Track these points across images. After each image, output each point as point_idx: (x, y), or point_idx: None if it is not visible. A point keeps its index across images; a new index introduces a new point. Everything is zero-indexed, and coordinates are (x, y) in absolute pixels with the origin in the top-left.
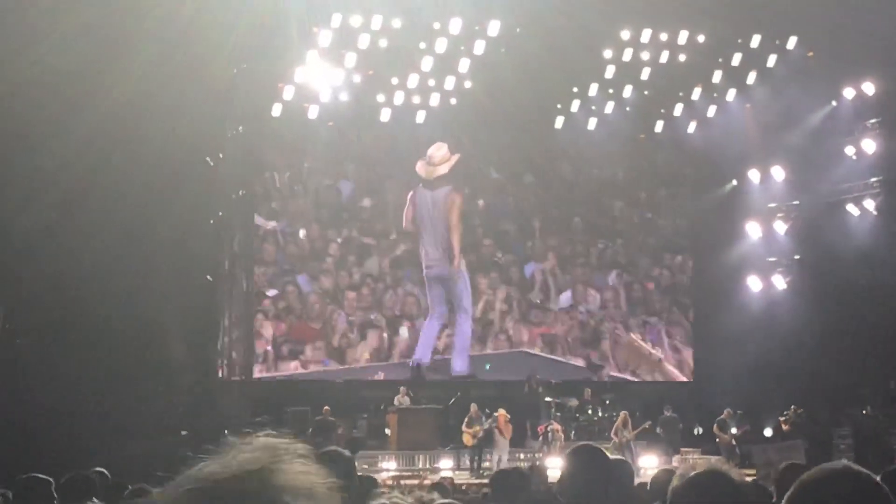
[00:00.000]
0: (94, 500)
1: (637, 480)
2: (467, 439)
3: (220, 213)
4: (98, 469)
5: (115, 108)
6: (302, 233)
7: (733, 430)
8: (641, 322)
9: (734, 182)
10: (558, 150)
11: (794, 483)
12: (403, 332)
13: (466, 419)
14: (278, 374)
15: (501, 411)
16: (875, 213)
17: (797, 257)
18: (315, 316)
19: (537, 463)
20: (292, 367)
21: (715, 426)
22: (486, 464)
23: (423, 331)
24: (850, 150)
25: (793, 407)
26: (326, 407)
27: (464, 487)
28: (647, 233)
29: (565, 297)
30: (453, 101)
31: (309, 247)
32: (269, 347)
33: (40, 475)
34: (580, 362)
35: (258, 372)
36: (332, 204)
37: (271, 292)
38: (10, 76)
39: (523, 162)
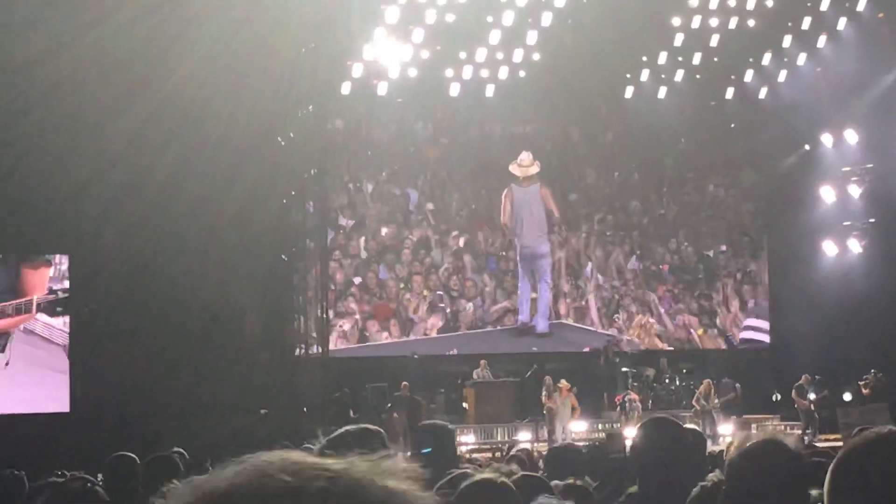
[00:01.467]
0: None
1: (717, 448)
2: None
3: (293, 193)
4: (177, 449)
5: (181, 86)
6: (384, 230)
7: (811, 396)
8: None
9: (807, 147)
10: (629, 120)
11: (843, 448)
12: (469, 307)
13: (545, 390)
14: (355, 348)
15: (563, 382)
16: None
17: (872, 220)
18: (392, 297)
19: (614, 431)
20: (369, 345)
21: (793, 392)
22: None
23: (520, 300)
24: None
25: (872, 371)
26: (405, 383)
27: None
28: (720, 200)
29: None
30: (522, 73)
31: (387, 243)
32: (347, 326)
33: (128, 453)
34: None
35: (335, 350)
36: (404, 208)
37: (356, 279)
38: (76, 55)
39: (595, 131)
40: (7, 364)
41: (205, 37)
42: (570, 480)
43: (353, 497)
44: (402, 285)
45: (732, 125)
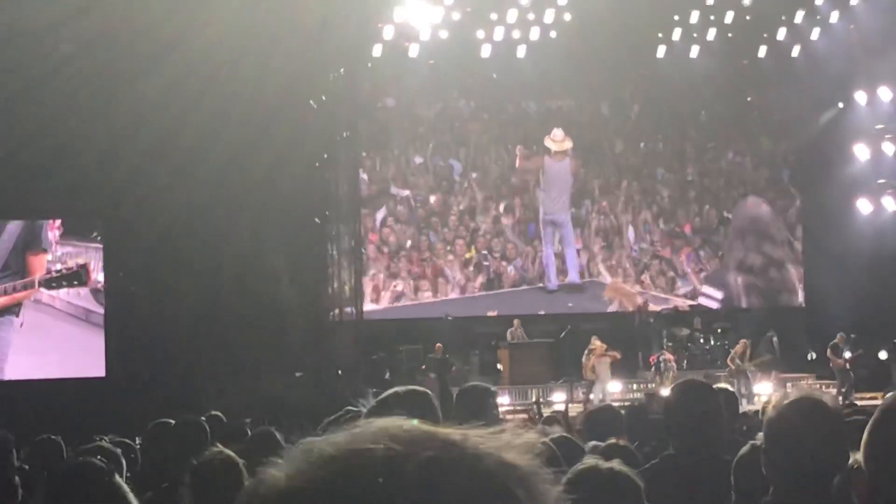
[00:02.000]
0: (218, 444)
1: (752, 408)
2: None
3: (326, 156)
4: (214, 412)
5: (209, 48)
6: (432, 199)
7: (847, 355)
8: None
9: (840, 105)
10: (661, 80)
11: (877, 409)
12: (510, 269)
13: (586, 352)
14: (390, 310)
15: (596, 343)
16: None
17: None
18: (440, 257)
19: (653, 391)
20: (404, 305)
21: (828, 350)
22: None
23: (546, 265)
24: None
25: None
26: (439, 344)
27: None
28: (754, 159)
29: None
30: (553, 34)
31: (435, 210)
32: (400, 286)
33: (168, 420)
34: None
35: (371, 312)
36: (449, 178)
37: (407, 244)
38: (105, 16)
39: (626, 93)
40: (21, 325)
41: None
42: (612, 441)
43: (466, 467)
44: (448, 247)
45: (749, 98)
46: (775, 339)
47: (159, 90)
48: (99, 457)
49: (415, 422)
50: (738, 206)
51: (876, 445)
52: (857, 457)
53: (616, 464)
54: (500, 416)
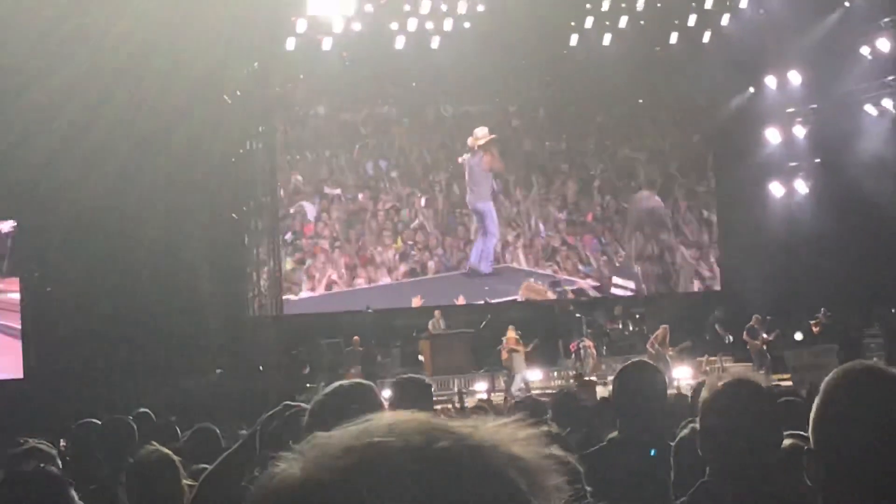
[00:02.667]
0: (154, 443)
1: (671, 392)
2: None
3: (241, 151)
4: (143, 410)
5: (120, 41)
6: (360, 196)
7: (763, 336)
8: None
9: (751, 89)
10: (574, 68)
11: (822, 388)
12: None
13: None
14: (310, 303)
15: (510, 333)
16: (894, 111)
17: (818, 161)
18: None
19: (587, 381)
20: (329, 297)
21: (745, 333)
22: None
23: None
24: (865, 51)
25: (822, 310)
26: (356, 337)
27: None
28: (667, 145)
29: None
30: (467, 24)
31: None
32: (334, 276)
33: (93, 420)
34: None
35: (291, 306)
36: (376, 176)
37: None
38: (8, 11)
39: (540, 82)
40: None
41: None
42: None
43: (476, 459)
44: (377, 239)
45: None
46: (718, 324)
47: (68, 83)
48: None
49: (425, 415)
50: (631, 199)
51: (826, 425)
52: (798, 438)
53: (555, 450)
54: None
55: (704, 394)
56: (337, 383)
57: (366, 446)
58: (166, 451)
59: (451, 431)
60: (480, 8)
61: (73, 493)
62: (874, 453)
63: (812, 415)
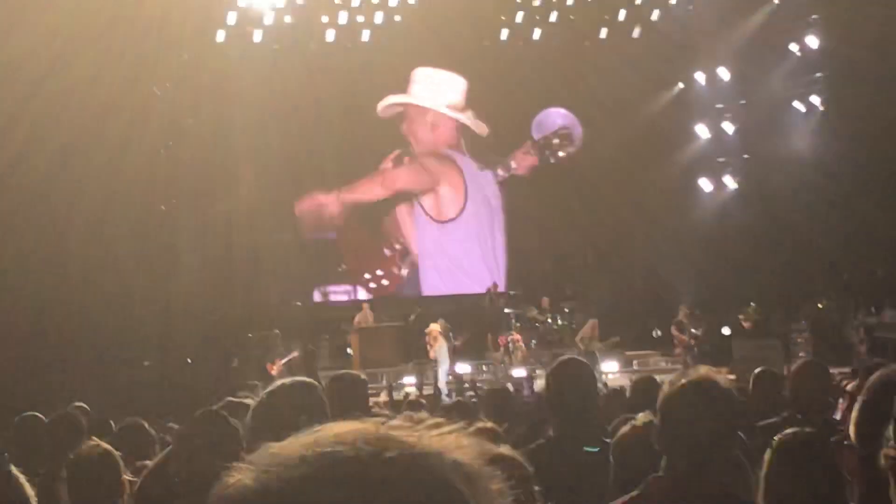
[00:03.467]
0: (95, 438)
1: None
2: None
3: (170, 143)
4: (79, 405)
5: (46, 34)
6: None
7: (692, 331)
8: None
9: (681, 85)
10: (504, 62)
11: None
12: None
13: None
14: None
15: (432, 326)
16: (821, 108)
17: (746, 157)
18: None
19: (534, 374)
20: None
21: (673, 327)
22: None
23: None
24: (793, 47)
25: (752, 304)
26: (276, 330)
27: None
28: (597, 139)
29: None
30: (398, 17)
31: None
32: None
33: (35, 414)
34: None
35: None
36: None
37: None
38: None
39: (470, 76)
40: None
41: None
42: (479, 424)
43: (422, 468)
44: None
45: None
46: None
47: None
48: None
49: (373, 424)
50: None
51: (866, 422)
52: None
53: (506, 449)
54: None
55: (666, 389)
56: (280, 382)
57: (317, 456)
58: (107, 446)
59: (399, 441)
60: (411, 0)
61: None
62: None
63: (855, 412)
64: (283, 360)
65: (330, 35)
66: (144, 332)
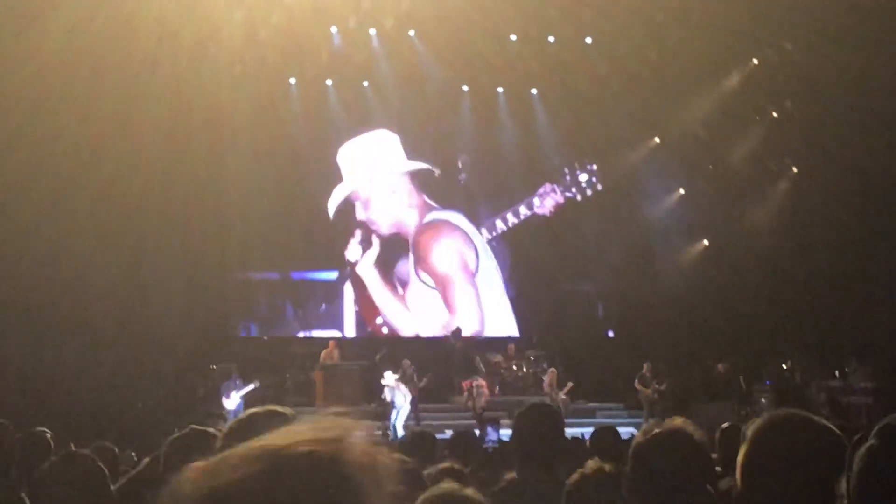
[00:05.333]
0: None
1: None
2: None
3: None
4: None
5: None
6: None
7: (655, 385)
8: None
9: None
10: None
11: (751, 435)
12: None
13: (399, 374)
14: None
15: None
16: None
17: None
18: None
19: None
20: None
21: (636, 381)
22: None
23: None
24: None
25: (720, 365)
26: (213, 366)
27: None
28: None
29: None
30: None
31: None
32: None
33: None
34: None
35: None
36: None
37: None
38: None
39: None
40: None
41: None
42: (446, 465)
43: (324, 471)
44: None
45: None
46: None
47: None
48: None
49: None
50: None
51: (754, 469)
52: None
53: (471, 492)
54: None
55: (638, 439)
56: (251, 411)
57: (269, 455)
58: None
59: (318, 440)
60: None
61: None
62: (799, 497)
63: (740, 459)
64: (242, 392)
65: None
66: (112, 359)
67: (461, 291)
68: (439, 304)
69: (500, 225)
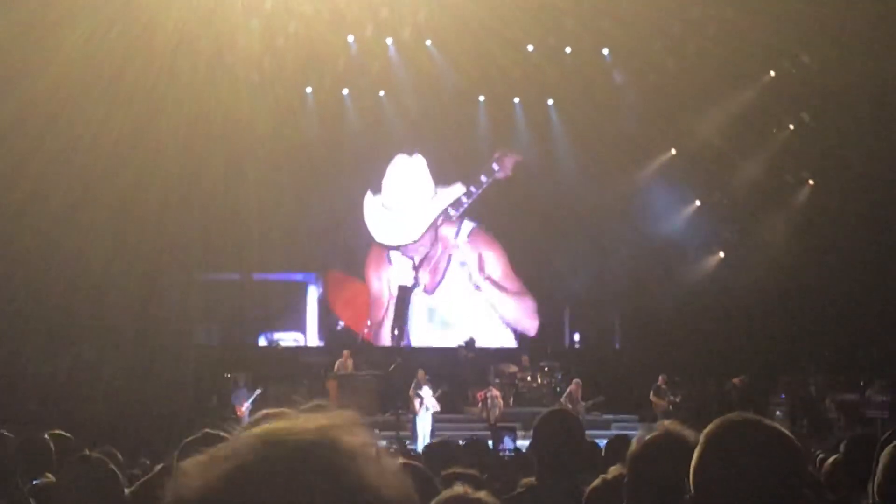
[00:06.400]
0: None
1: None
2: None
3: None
4: (58, 431)
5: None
6: None
7: (670, 398)
8: None
9: (673, 151)
10: None
11: (702, 440)
12: None
13: (414, 384)
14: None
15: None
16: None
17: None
18: None
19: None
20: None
21: (651, 393)
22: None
23: None
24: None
25: (735, 378)
26: (227, 374)
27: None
28: (587, 197)
29: None
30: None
31: None
32: None
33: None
34: None
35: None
36: None
37: None
38: None
39: None
40: None
41: None
42: (457, 469)
43: (318, 457)
44: None
45: None
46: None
47: None
48: None
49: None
50: None
51: (705, 472)
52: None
53: (483, 495)
54: None
55: (634, 445)
56: (264, 411)
57: (261, 443)
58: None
59: (298, 433)
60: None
61: None
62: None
63: (692, 464)
64: (248, 401)
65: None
66: (129, 367)
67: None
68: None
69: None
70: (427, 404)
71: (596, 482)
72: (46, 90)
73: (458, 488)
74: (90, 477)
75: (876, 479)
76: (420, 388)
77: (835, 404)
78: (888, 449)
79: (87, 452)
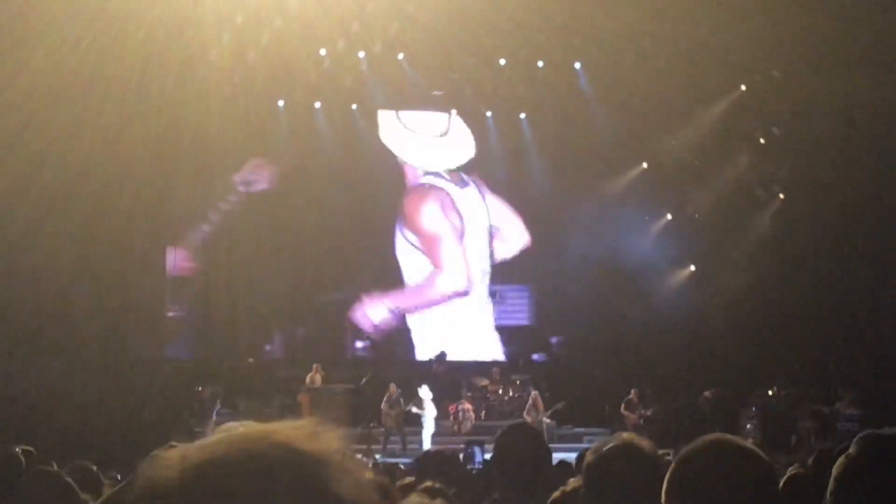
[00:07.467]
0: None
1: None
2: (388, 419)
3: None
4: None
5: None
6: None
7: (641, 411)
8: None
9: (645, 165)
10: None
11: (676, 460)
12: None
13: (386, 398)
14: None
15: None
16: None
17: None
18: None
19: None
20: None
21: (622, 406)
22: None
23: None
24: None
25: (706, 392)
26: (199, 388)
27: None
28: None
29: None
30: None
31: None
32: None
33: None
34: None
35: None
36: None
37: None
38: None
39: None
40: None
41: None
42: (427, 483)
43: (288, 455)
44: None
45: None
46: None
47: None
48: None
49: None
50: None
51: (675, 493)
52: None
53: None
54: None
55: (589, 456)
56: (229, 424)
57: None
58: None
59: (266, 437)
60: None
61: None
62: None
63: (665, 483)
64: (215, 411)
65: None
66: (98, 381)
67: (447, 249)
68: (424, 263)
69: None
70: (426, 414)
71: (555, 494)
72: (15, 100)
73: (415, 498)
74: (47, 493)
75: (829, 488)
76: (395, 400)
77: (806, 418)
78: (840, 459)
79: (48, 467)
